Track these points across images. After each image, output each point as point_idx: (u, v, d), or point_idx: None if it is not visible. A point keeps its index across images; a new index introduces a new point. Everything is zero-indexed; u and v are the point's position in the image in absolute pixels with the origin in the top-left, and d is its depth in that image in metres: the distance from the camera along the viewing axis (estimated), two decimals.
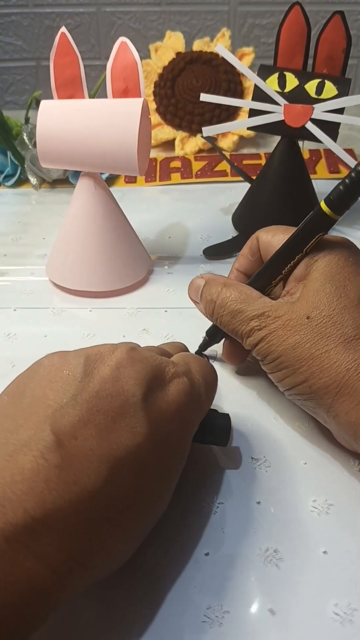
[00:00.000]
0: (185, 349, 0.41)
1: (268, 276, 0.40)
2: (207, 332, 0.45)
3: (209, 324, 0.47)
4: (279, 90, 0.56)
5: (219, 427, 0.36)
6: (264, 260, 0.42)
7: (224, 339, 0.44)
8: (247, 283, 0.41)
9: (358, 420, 0.33)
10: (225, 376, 0.45)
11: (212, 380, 0.36)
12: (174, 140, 0.85)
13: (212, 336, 0.44)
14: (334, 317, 0.35)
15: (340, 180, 0.36)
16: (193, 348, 0.47)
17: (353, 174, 0.35)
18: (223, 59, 0.78)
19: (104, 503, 0.26)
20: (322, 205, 0.36)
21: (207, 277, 0.42)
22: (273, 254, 0.40)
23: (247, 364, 0.45)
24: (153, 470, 0.28)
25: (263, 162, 0.79)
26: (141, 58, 0.48)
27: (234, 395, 0.43)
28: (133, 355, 0.31)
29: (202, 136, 0.67)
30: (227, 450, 0.38)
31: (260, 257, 0.43)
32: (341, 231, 0.64)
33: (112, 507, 0.26)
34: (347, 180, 0.35)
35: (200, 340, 0.45)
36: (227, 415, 0.37)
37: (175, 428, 0.30)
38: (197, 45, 0.89)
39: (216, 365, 0.46)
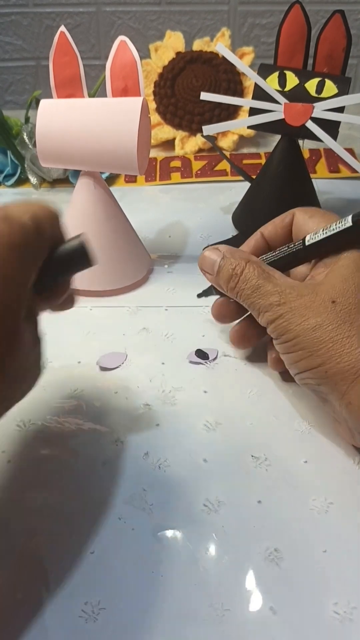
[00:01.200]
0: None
1: (291, 260, 0.40)
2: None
3: (208, 323, 0.47)
4: (279, 89, 0.56)
5: (71, 250, 0.32)
6: (293, 237, 0.42)
7: (235, 323, 0.45)
8: (268, 259, 0.41)
9: None
10: (226, 374, 0.45)
11: (40, 211, 0.31)
12: (173, 139, 0.85)
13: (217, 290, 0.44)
14: (359, 305, 0.35)
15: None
16: (193, 347, 0.47)
17: None
18: (223, 58, 0.78)
19: None
20: None
21: (224, 249, 0.41)
22: (301, 240, 0.40)
23: (247, 363, 0.45)
24: None
25: (263, 161, 0.79)
26: (141, 58, 0.48)
27: (234, 394, 0.43)
28: None
29: (202, 135, 0.67)
30: (229, 450, 0.38)
31: (288, 232, 0.43)
32: None
33: None
34: None
35: (200, 339, 0.45)
36: (78, 236, 0.33)
37: None
38: (197, 45, 0.89)
39: (217, 364, 0.46)
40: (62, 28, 0.49)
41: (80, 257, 0.32)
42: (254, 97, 0.57)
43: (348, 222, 0.38)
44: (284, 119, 0.56)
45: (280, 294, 0.37)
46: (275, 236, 0.44)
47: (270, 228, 0.44)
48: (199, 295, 0.48)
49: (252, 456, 0.38)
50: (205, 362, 0.46)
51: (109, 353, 0.47)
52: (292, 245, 0.40)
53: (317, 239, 0.39)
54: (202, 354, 0.46)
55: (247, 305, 0.40)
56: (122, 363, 0.46)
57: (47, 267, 0.31)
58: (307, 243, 0.39)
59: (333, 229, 0.38)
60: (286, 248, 0.41)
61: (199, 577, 0.31)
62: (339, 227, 0.38)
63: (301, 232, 0.41)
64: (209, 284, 0.46)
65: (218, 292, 0.45)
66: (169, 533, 0.34)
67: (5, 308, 0.27)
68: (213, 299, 0.46)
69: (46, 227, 0.30)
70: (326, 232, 0.38)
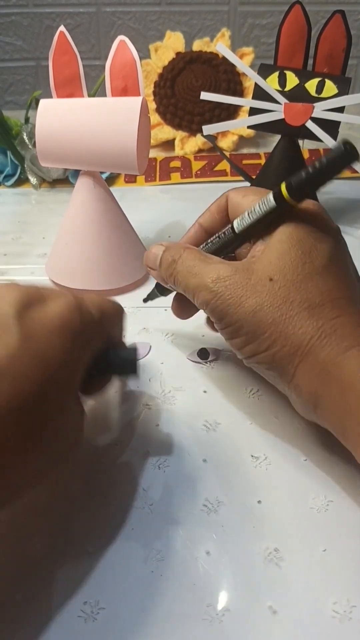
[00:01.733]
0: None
1: (221, 249, 0.39)
2: (157, 285, 0.45)
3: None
4: (279, 88, 0.56)
5: (122, 356, 0.35)
6: (230, 219, 0.40)
7: (174, 294, 0.44)
8: (202, 248, 0.40)
9: (319, 390, 0.32)
10: (225, 374, 0.45)
11: (109, 307, 0.34)
12: (173, 140, 0.85)
13: (161, 289, 0.44)
14: (297, 282, 0.34)
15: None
16: (192, 348, 0.47)
17: (317, 164, 0.34)
18: (223, 58, 0.78)
19: None
20: (282, 188, 0.35)
21: (165, 244, 0.40)
22: (227, 228, 0.38)
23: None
24: (32, 380, 0.27)
25: (263, 161, 0.79)
26: (141, 58, 0.48)
27: (234, 394, 0.43)
28: (10, 285, 0.30)
29: (202, 135, 0.67)
30: (229, 450, 0.38)
31: (226, 216, 0.41)
32: (341, 230, 0.64)
33: None
34: (310, 169, 0.34)
35: (200, 339, 0.45)
36: (134, 347, 0.35)
37: (58, 340, 0.29)
38: (197, 45, 0.89)
39: (217, 364, 0.46)
40: (62, 28, 0.49)
41: (130, 365, 0.35)
42: (254, 97, 0.57)
43: (271, 201, 0.36)
44: (284, 119, 0.56)
45: (215, 271, 0.36)
46: (213, 223, 0.42)
47: (207, 215, 0.42)
48: (145, 300, 0.46)
49: (252, 456, 0.38)
50: (205, 362, 0.46)
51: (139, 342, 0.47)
52: (223, 234, 0.39)
53: (245, 225, 0.37)
54: (203, 354, 0.46)
55: (183, 288, 0.38)
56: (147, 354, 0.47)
57: (99, 361, 0.33)
58: (236, 231, 0.38)
59: (258, 212, 0.36)
60: (217, 238, 0.39)
61: (198, 577, 0.31)
62: (264, 208, 0.36)
63: (237, 213, 0.39)
64: (153, 287, 0.45)
65: (161, 291, 0.44)
66: (169, 533, 0.33)
67: (59, 388, 0.29)
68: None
69: (109, 324, 0.34)
70: (252, 216, 0.37)
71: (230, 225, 0.38)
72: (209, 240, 0.40)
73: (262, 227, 0.37)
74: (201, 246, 0.41)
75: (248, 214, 0.37)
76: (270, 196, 0.36)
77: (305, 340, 0.33)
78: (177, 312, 0.44)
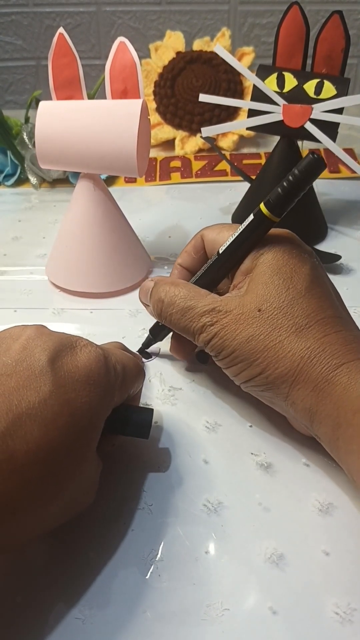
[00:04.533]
0: (123, 347, 0.40)
1: (212, 274, 0.40)
2: (151, 330, 0.45)
3: None
4: (277, 90, 0.56)
5: (138, 418, 0.36)
6: (208, 257, 0.42)
7: (171, 334, 0.45)
8: (192, 281, 0.41)
9: (313, 406, 0.34)
10: (226, 376, 0.45)
11: (132, 367, 0.36)
12: (173, 139, 0.85)
13: (156, 334, 0.45)
14: (284, 308, 0.36)
15: (281, 184, 0.36)
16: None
17: (290, 177, 0.36)
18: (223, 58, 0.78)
19: (5, 455, 0.26)
20: (262, 207, 0.37)
21: (156, 279, 0.42)
22: (216, 253, 0.40)
23: None
24: (60, 427, 0.28)
25: (263, 161, 0.79)
26: (141, 57, 0.48)
27: (234, 394, 0.43)
28: (42, 330, 0.32)
29: (201, 137, 0.67)
30: (229, 450, 0.39)
31: (204, 255, 0.43)
32: (340, 231, 0.64)
33: (14, 458, 0.26)
34: (284, 183, 0.36)
35: None
36: (151, 409, 0.37)
37: (85, 390, 0.30)
38: (197, 45, 0.89)
39: (215, 369, 0.46)
40: (61, 29, 0.49)
41: (143, 428, 0.36)
42: (252, 99, 0.57)
43: (250, 217, 0.38)
44: (282, 121, 0.56)
45: (210, 313, 0.37)
46: (192, 262, 0.44)
47: (185, 256, 0.44)
48: (140, 350, 0.46)
49: (253, 456, 0.38)
50: (204, 364, 0.46)
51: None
52: (209, 261, 0.40)
53: (227, 244, 0.39)
54: (202, 356, 0.46)
55: (179, 330, 0.40)
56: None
57: (115, 418, 0.34)
58: (220, 252, 0.39)
59: (240, 229, 0.38)
60: (204, 266, 0.41)
61: (198, 577, 0.31)
62: (244, 225, 0.38)
63: (213, 250, 0.41)
64: (147, 335, 0.46)
65: (156, 335, 0.45)
66: (169, 533, 0.34)
67: (83, 438, 0.30)
68: None
69: (130, 382, 0.35)
70: (234, 235, 0.38)
71: (216, 253, 0.40)
72: (197, 274, 0.41)
73: (243, 249, 0.38)
74: (191, 280, 0.42)
75: (232, 235, 0.39)
76: (255, 214, 0.37)
77: (297, 362, 0.34)
78: (177, 352, 0.45)
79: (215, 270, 0.40)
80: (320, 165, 0.35)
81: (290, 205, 0.37)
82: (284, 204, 0.36)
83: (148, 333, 0.46)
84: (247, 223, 0.38)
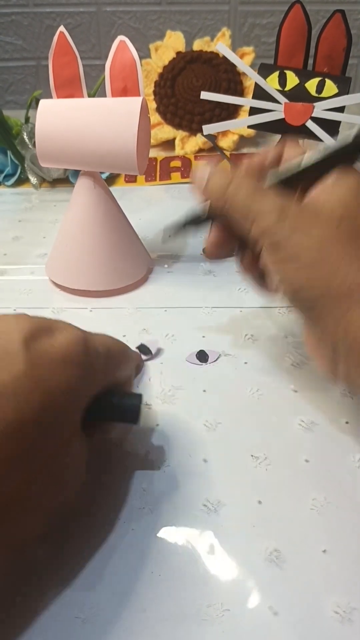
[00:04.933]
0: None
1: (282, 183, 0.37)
2: (191, 214, 0.42)
3: (209, 324, 0.47)
4: (279, 88, 0.56)
5: (126, 402, 0.35)
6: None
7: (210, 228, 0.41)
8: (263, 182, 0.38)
9: None
10: (225, 374, 0.45)
11: (117, 350, 0.35)
12: (174, 139, 0.85)
13: (196, 220, 0.42)
14: None
15: None
16: (193, 348, 0.47)
17: None
18: (223, 58, 0.78)
19: None
20: None
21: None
22: (288, 163, 0.37)
23: (247, 362, 0.45)
24: (34, 406, 0.27)
25: None
26: (141, 57, 0.48)
27: (234, 393, 0.43)
28: (22, 315, 0.31)
29: (202, 135, 0.67)
30: (228, 449, 0.38)
31: (277, 164, 0.39)
32: None
33: None
34: None
35: (200, 340, 0.45)
36: (139, 394, 0.35)
37: (61, 369, 0.29)
38: (198, 45, 0.89)
39: (218, 363, 0.46)
40: (62, 28, 0.49)
41: (132, 413, 0.34)
42: (254, 97, 0.57)
43: (349, 138, 0.35)
44: (284, 119, 0.56)
45: (282, 202, 0.34)
46: (260, 167, 0.39)
47: (259, 159, 0.39)
48: (169, 236, 0.43)
49: (252, 456, 0.38)
50: (204, 364, 0.46)
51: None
52: (283, 169, 0.37)
53: (312, 160, 0.35)
54: (202, 356, 0.46)
55: (242, 211, 0.35)
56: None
57: (102, 403, 0.33)
58: (302, 165, 0.36)
59: (331, 148, 0.35)
60: (272, 172, 0.37)
61: (198, 577, 0.31)
62: (337, 145, 0.35)
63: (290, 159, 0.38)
64: (183, 219, 0.42)
65: (195, 220, 0.42)
66: (169, 533, 0.33)
67: (60, 419, 0.29)
68: (213, 299, 0.45)
69: (115, 363, 0.34)
70: (323, 152, 0.35)
71: (296, 163, 0.36)
72: (273, 174, 0.37)
73: (326, 166, 0.35)
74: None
75: (323, 148, 0.35)
76: (352, 134, 0.34)
77: None
78: (213, 248, 0.41)
79: (291, 179, 0.36)
80: None
81: None
82: None
83: (185, 218, 0.42)
84: (344, 144, 0.34)
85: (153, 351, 0.46)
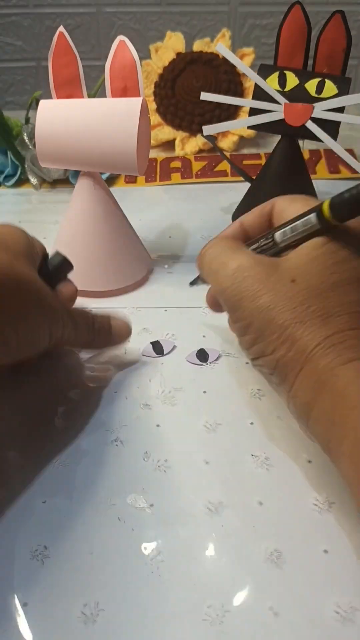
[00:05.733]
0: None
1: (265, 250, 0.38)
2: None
3: (209, 324, 0.47)
4: (279, 89, 0.56)
5: (57, 260, 0.43)
6: (273, 224, 0.39)
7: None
8: (248, 244, 0.39)
9: (312, 401, 0.31)
10: (226, 374, 0.45)
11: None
12: (174, 140, 0.85)
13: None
14: (320, 289, 0.33)
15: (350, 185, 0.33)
16: (193, 348, 0.47)
17: None
18: (223, 59, 0.78)
19: None
20: (326, 209, 0.33)
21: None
22: (268, 233, 0.37)
23: (248, 363, 0.45)
24: None
25: (263, 162, 0.79)
26: (141, 58, 0.48)
27: (234, 394, 0.43)
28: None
29: (202, 135, 0.67)
30: (229, 450, 0.38)
31: (267, 220, 0.40)
32: None
33: None
34: (354, 190, 0.32)
35: (200, 340, 0.45)
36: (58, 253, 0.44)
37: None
38: (198, 46, 0.89)
39: (218, 364, 0.46)
40: (61, 29, 0.49)
41: (66, 265, 0.44)
42: (254, 97, 0.57)
43: (313, 223, 0.34)
44: (284, 119, 0.56)
45: (238, 260, 0.35)
46: (254, 225, 0.41)
47: (250, 216, 0.41)
48: (191, 283, 0.47)
49: (253, 456, 0.38)
50: (204, 364, 0.45)
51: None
52: (264, 238, 0.38)
53: (286, 241, 0.36)
54: (202, 355, 0.46)
55: (206, 274, 0.38)
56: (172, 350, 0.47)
57: (46, 271, 0.42)
58: (277, 241, 0.36)
59: (300, 232, 0.35)
60: (258, 241, 0.38)
61: (199, 578, 0.31)
62: (307, 226, 0.35)
63: (281, 219, 0.38)
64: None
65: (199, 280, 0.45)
66: (169, 533, 0.33)
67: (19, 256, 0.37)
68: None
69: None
70: (294, 233, 0.35)
71: (272, 231, 0.37)
72: (250, 241, 0.39)
73: (302, 241, 0.36)
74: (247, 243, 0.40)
75: (291, 229, 0.36)
76: (313, 217, 0.34)
77: (310, 347, 0.32)
78: (211, 304, 0.43)
79: (264, 250, 0.38)
80: None
81: (357, 212, 0.33)
82: (351, 212, 0.33)
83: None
84: (308, 222, 0.34)
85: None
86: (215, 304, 0.43)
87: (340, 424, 0.30)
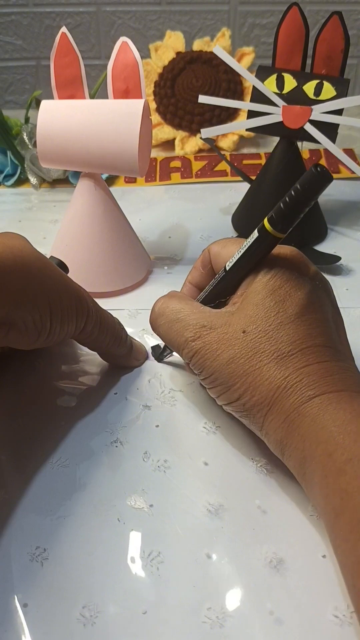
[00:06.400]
0: None
1: (217, 290, 0.39)
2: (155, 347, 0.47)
3: None
4: (277, 91, 0.56)
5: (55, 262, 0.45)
6: (215, 272, 0.41)
7: None
8: (199, 297, 0.41)
9: (284, 439, 0.33)
10: None
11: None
12: (174, 140, 0.85)
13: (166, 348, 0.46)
14: (269, 332, 0.34)
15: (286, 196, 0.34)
16: None
17: (293, 192, 0.33)
18: None
19: None
20: (265, 223, 0.35)
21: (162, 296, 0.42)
22: (222, 269, 0.39)
23: None
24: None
25: (263, 162, 0.79)
26: (141, 57, 0.48)
27: None
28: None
29: (201, 138, 0.67)
30: (228, 453, 0.39)
31: (211, 270, 0.42)
32: (340, 232, 0.64)
33: None
34: (287, 199, 0.34)
35: None
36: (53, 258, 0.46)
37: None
38: (197, 45, 0.89)
39: None
40: (64, 29, 0.49)
41: (62, 268, 0.44)
42: (252, 100, 0.57)
43: (255, 233, 0.36)
44: (282, 122, 0.56)
45: (194, 327, 0.37)
46: (200, 278, 0.43)
47: (194, 272, 0.43)
48: (159, 361, 0.47)
49: (253, 459, 0.38)
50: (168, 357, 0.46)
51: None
52: (216, 276, 0.39)
53: (234, 261, 0.37)
54: (156, 350, 0.47)
55: (168, 343, 0.39)
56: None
57: None
58: (227, 268, 0.38)
59: (245, 245, 0.36)
60: (212, 282, 0.40)
61: (198, 580, 0.31)
62: (249, 241, 0.36)
63: (218, 265, 0.40)
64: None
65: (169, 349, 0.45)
66: (169, 535, 0.34)
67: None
68: None
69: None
70: (240, 251, 0.37)
71: (223, 269, 0.38)
72: (204, 290, 0.41)
73: (249, 265, 0.37)
74: (198, 296, 0.41)
75: (238, 251, 0.37)
76: (255, 231, 0.36)
77: (272, 391, 0.33)
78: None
79: (220, 286, 0.39)
80: (324, 179, 0.32)
81: (295, 221, 0.34)
82: (288, 221, 0.34)
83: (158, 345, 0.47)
84: (252, 240, 0.36)
85: (165, 353, 0.46)
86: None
87: (310, 459, 0.32)
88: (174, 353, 0.44)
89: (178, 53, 0.87)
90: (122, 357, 0.45)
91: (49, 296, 0.36)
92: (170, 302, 0.39)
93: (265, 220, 0.35)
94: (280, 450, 0.34)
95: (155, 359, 0.47)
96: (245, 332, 0.35)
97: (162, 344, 0.46)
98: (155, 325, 0.40)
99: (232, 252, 0.38)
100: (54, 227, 0.67)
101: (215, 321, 0.36)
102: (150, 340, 0.48)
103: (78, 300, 0.39)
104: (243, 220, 0.64)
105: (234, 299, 0.38)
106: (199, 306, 0.38)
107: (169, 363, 0.46)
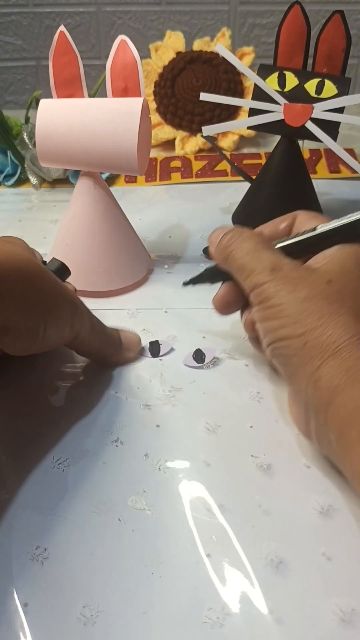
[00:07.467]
0: None
1: (300, 245, 0.39)
2: (207, 268, 0.44)
3: (209, 325, 0.47)
4: (278, 89, 0.56)
5: (55, 266, 0.46)
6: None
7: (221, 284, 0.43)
8: (275, 245, 0.41)
9: (339, 387, 0.32)
10: (226, 376, 0.45)
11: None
12: (174, 139, 0.85)
13: (212, 275, 0.44)
14: (355, 291, 0.35)
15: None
16: (193, 348, 0.47)
17: None
18: (223, 58, 0.78)
19: None
20: None
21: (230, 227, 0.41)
22: (312, 229, 0.39)
23: (248, 365, 0.45)
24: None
25: (263, 161, 0.79)
26: (141, 58, 0.48)
27: (234, 396, 0.43)
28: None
29: (202, 136, 0.67)
30: (229, 452, 0.38)
31: (289, 233, 0.42)
32: None
33: None
34: None
35: (200, 341, 0.45)
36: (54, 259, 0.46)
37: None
38: (197, 45, 0.89)
39: (218, 366, 0.46)
40: (62, 28, 0.49)
41: (64, 270, 0.46)
42: (253, 98, 0.57)
43: (352, 218, 0.37)
44: (283, 120, 0.56)
45: (279, 260, 0.37)
46: (273, 233, 0.43)
47: (271, 227, 0.43)
48: (185, 283, 0.46)
49: (253, 458, 0.38)
50: (202, 366, 0.45)
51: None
52: (302, 232, 0.40)
53: (330, 227, 0.38)
54: (199, 355, 0.46)
55: (237, 267, 0.39)
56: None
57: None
58: (317, 229, 0.39)
59: (349, 217, 0.38)
60: (295, 235, 0.40)
61: (199, 580, 0.31)
62: (356, 216, 0.37)
63: (300, 230, 0.41)
64: (202, 271, 0.45)
65: (211, 276, 0.44)
66: (169, 535, 0.33)
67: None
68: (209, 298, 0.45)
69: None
70: (341, 221, 0.38)
71: (312, 229, 0.39)
72: (284, 239, 0.41)
73: (339, 238, 0.38)
74: (274, 242, 0.41)
75: (337, 220, 0.38)
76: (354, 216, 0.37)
77: (344, 338, 0.33)
78: (221, 304, 0.43)
79: (305, 242, 0.39)
80: None
81: None
82: None
83: (203, 270, 0.45)
84: (356, 218, 0.37)
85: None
86: (225, 305, 0.43)
87: None
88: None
89: (178, 53, 0.87)
90: (113, 355, 0.45)
91: (45, 302, 0.36)
92: (253, 234, 0.39)
93: None
94: (328, 398, 0.33)
95: (153, 356, 0.46)
96: (331, 282, 0.35)
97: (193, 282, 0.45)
98: (227, 247, 0.40)
99: (319, 224, 0.39)
100: (54, 227, 0.67)
101: (298, 264, 0.37)
102: (149, 339, 0.48)
103: (73, 306, 0.39)
104: (243, 220, 0.64)
105: (313, 262, 0.38)
106: (282, 252, 0.39)
107: (169, 361, 0.46)
